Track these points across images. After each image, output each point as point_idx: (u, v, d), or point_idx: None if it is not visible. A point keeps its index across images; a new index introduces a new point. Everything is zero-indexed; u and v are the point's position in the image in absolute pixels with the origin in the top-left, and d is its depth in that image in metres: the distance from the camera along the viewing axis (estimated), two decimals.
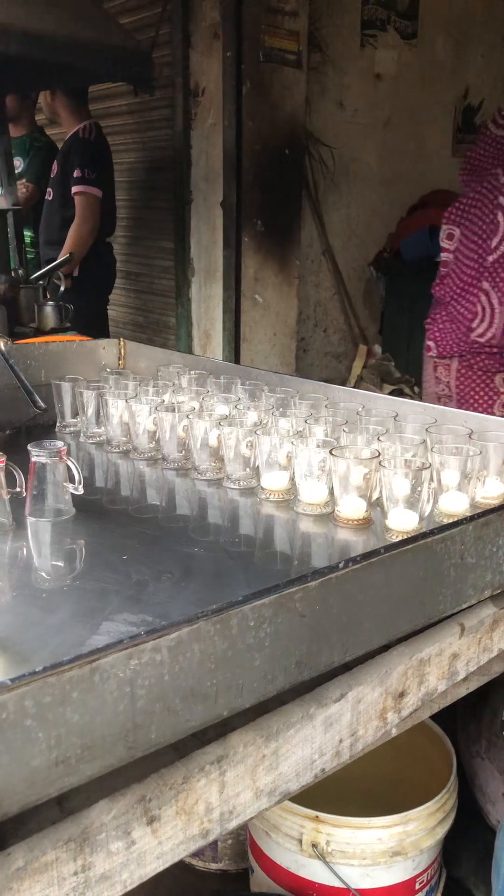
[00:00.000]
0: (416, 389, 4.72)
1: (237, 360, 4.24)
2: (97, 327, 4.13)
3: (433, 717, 1.42)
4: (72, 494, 1.26)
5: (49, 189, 4.04)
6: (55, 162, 4.01)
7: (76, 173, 3.84)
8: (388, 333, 5.14)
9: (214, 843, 1.70)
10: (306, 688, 0.90)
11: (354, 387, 4.66)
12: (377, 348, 5.13)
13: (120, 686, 0.68)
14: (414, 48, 4.89)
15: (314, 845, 1.35)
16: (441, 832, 1.42)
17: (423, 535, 0.94)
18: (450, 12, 4.96)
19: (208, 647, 0.74)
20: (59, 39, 2.58)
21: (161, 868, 0.77)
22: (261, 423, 1.49)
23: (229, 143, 3.96)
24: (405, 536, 1.15)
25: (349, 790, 1.52)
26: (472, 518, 0.99)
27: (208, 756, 0.80)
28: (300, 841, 1.36)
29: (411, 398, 4.57)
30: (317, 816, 1.36)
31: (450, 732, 1.63)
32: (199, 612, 0.73)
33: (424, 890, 1.48)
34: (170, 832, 0.77)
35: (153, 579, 1.05)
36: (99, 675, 0.67)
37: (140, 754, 0.72)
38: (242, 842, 1.70)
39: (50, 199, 4.03)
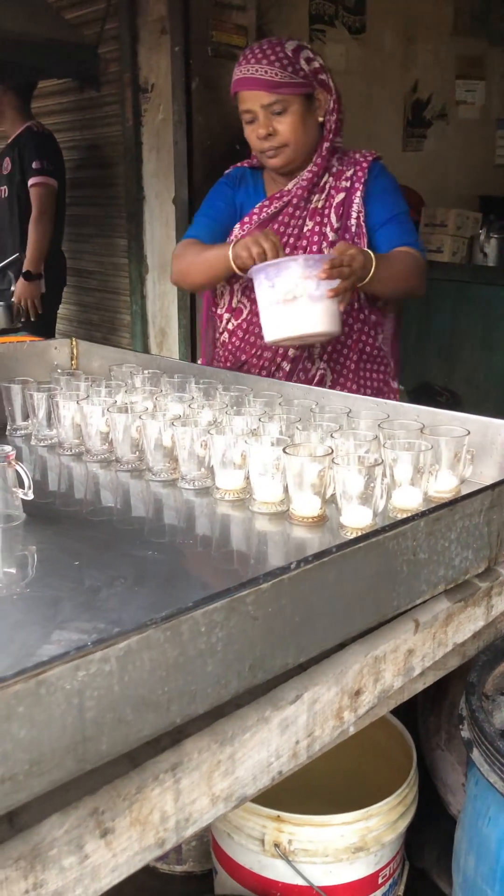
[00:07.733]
0: None
1: (193, 357, 4.21)
2: (50, 327, 4.07)
3: (393, 712, 1.42)
4: (22, 500, 1.23)
5: (2, 188, 3.97)
6: (6, 159, 3.93)
7: (35, 164, 3.78)
8: None
9: (179, 845, 1.69)
10: (262, 690, 0.89)
11: None
12: None
13: (68, 698, 0.67)
14: (362, 43, 4.89)
15: (276, 845, 1.34)
16: (402, 826, 1.43)
17: (375, 533, 0.94)
18: (397, 8, 4.98)
19: (159, 655, 0.72)
20: (9, 36, 2.52)
21: (116, 881, 0.76)
22: (215, 422, 1.47)
23: (180, 139, 3.93)
24: (359, 533, 1.15)
25: (312, 788, 1.51)
26: (423, 514, 0.99)
27: (162, 764, 0.79)
28: (262, 841, 1.36)
29: None
30: (278, 816, 1.35)
31: (411, 726, 1.63)
32: (149, 620, 0.72)
33: (387, 884, 1.49)
34: (124, 844, 0.75)
35: (106, 585, 1.03)
36: (45, 689, 0.65)
37: (91, 767, 0.70)
38: (207, 843, 1.68)
39: (4, 196, 3.96)
